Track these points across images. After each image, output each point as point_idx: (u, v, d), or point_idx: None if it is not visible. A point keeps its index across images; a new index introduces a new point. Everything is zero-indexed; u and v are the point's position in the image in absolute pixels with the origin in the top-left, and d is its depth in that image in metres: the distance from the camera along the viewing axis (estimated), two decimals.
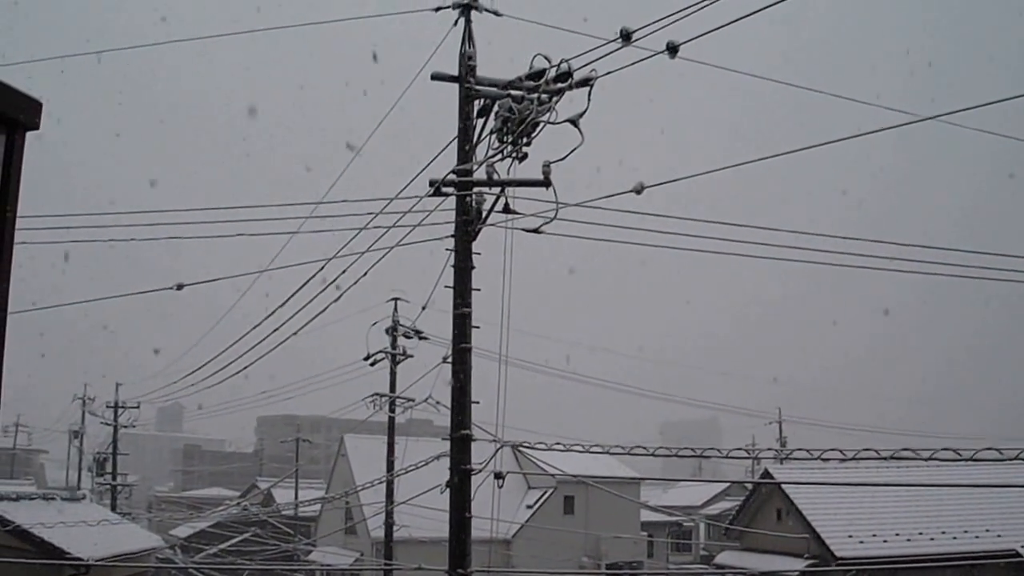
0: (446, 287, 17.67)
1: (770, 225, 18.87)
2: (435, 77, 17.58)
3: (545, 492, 60.34)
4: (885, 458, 14.66)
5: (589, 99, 14.67)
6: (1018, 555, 45.51)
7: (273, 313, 21.54)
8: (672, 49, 12.98)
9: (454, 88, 17.74)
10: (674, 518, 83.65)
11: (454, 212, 17.75)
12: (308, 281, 20.07)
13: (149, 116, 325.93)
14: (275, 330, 22.06)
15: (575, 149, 14.59)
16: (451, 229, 17.87)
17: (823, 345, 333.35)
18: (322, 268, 19.82)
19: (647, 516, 71.97)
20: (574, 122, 14.90)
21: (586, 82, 14.83)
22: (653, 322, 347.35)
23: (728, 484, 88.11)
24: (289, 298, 20.82)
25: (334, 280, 19.90)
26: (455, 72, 17.70)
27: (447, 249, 17.72)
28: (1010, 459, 14.11)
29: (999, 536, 46.50)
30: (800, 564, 46.18)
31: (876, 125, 14.75)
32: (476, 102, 17.53)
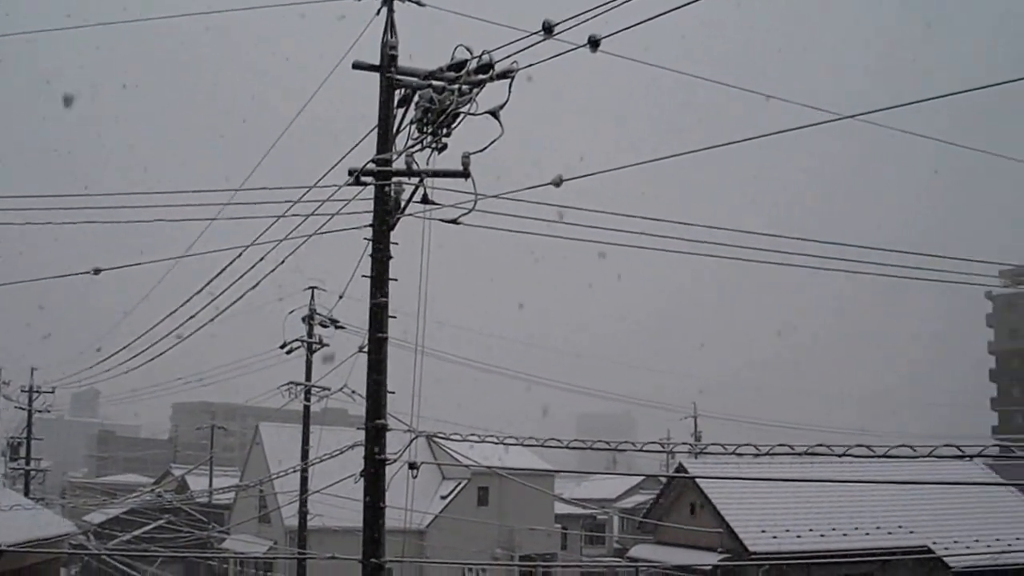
0: (363, 277, 17.54)
1: (697, 219, 18.90)
2: (356, 66, 17.44)
3: (459, 483, 60.27)
4: (799, 453, 14.71)
5: (510, 91, 14.61)
6: (930, 551, 46.05)
7: (189, 300, 21.34)
8: (593, 43, 12.93)
9: (377, 78, 17.60)
10: (588, 511, 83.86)
11: (373, 202, 17.63)
12: (225, 269, 19.89)
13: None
14: (191, 317, 21.86)
15: (495, 141, 14.54)
16: (371, 219, 17.74)
17: (742, 341, 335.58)
18: (239, 255, 19.65)
19: (561, 509, 72.12)
20: (494, 114, 14.83)
21: (507, 74, 14.75)
22: (572, 315, 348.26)
23: (643, 478, 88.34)
24: (205, 285, 20.63)
25: (251, 267, 19.74)
26: (377, 62, 17.57)
27: (365, 239, 17.58)
28: (923, 456, 14.21)
29: (911, 532, 47.02)
30: (713, 558, 46.43)
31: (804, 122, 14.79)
32: (397, 92, 17.41)
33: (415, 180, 16.80)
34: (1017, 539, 47.44)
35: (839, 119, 14.97)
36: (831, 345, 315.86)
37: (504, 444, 18.07)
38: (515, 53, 14.57)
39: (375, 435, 17.42)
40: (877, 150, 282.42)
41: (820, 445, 14.20)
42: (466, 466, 53.10)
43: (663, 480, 57.81)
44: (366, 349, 17.72)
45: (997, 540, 46.73)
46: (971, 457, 14.43)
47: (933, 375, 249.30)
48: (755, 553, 44.35)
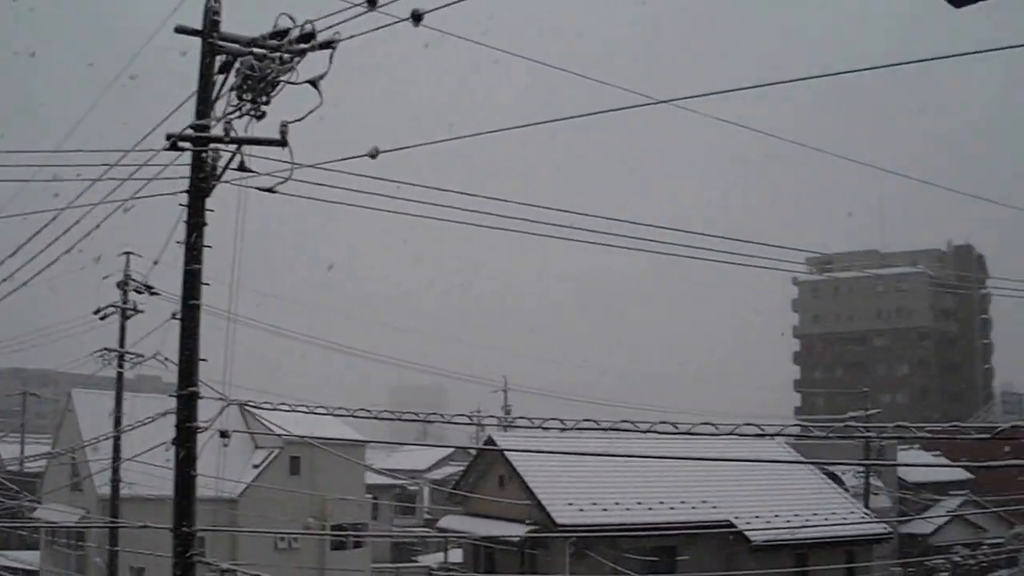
0: (178, 243, 17.21)
1: (515, 196, 18.90)
2: (179, 30, 17.05)
3: (272, 452, 59.75)
4: (604, 429, 14.85)
5: (331, 61, 14.50)
6: (732, 525, 46.97)
7: (2, 263, 20.81)
8: (416, 17, 12.86)
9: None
10: (399, 481, 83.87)
11: (190, 168, 17.30)
12: (39, 232, 19.42)
13: None
14: (3, 280, 21.33)
15: (313, 110, 14.41)
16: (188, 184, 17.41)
17: (552, 317, 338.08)
18: (54, 219, 19.19)
19: (372, 479, 71.95)
20: (314, 83, 14.70)
21: (329, 44, 14.62)
22: (391, 288, 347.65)
23: (453, 450, 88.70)
24: (18, 249, 20.12)
25: (65, 231, 19.28)
26: (200, 26, 17.21)
27: (180, 205, 17.24)
28: (725, 434, 14.43)
29: (715, 507, 47.87)
30: (521, 530, 46.66)
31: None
32: (219, 58, 17.10)
33: (233, 147, 16.54)
34: (814, 515, 48.61)
35: (654, 103, 15.10)
36: (642, 323, 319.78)
37: (315, 413, 17.98)
38: (338, 24, 14.44)
39: (186, 403, 17.14)
40: (697, 137, 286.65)
41: (625, 421, 14.35)
42: (278, 435, 52.61)
43: (472, 452, 58.00)
44: (179, 316, 17.42)
45: (796, 515, 47.82)
46: (772, 436, 14.72)
47: (744, 357, 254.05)
48: (562, 525, 44.70)
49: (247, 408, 38.03)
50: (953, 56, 12.32)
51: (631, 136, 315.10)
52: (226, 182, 16.96)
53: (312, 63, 15.08)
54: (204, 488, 17.45)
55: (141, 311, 40.70)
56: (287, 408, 18.38)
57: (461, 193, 17.90)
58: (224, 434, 17.78)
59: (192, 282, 17.08)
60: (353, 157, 15.49)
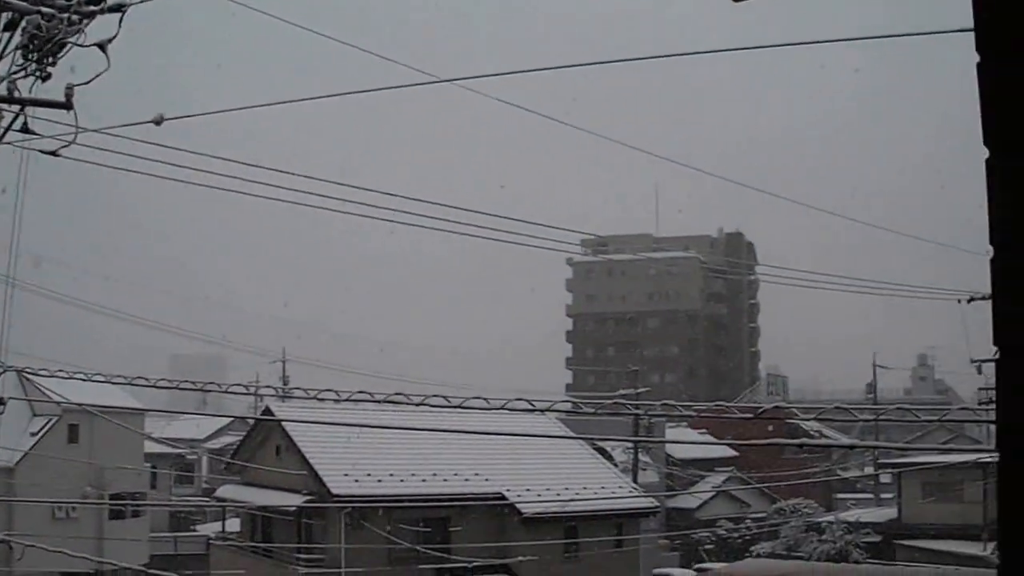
0: None
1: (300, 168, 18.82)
2: None
3: (50, 420, 58.40)
4: (379, 401, 14.95)
5: (120, 25, 14.25)
6: (503, 498, 47.52)
7: None
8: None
9: None
10: (178, 451, 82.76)
11: None
12: None
13: None
14: None
15: (100, 74, 14.16)
16: None
17: (335, 290, 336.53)
18: None
19: (152, 448, 70.88)
20: (102, 47, 14.43)
21: (119, 7, 14.37)
22: (169, 255, 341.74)
23: (231, 419, 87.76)
24: None
25: None
26: None
27: None
28: (495, 408, 14.64)
29: (487, 480, 48.34)
30: (298, 499, 46.52)
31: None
32: (4, 15, 16.65)
33: (16, 108, 16.15)
34: (584, 488, 49.42)
35: (436, 82, 15.22)
36: (429, 301, 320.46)
37: (93, 381, 17.67)
38: None
39: None
40: (480, 119, 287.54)
41: (399, 394, 14.46)
42: (56, 403, 51.44)
43: (250, 422, 57.56)
44: None
45: (566, 489, 48.54)
46: (542, 411, 14.98)
47: (524, 335, 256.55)
48: (338, 496, 44.65)
49: (25, 375, 37.24)
50: (731, 51, 12.67)
51: (418, 116, 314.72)
52: (8, 143, 16.56)
53: (105, 26, 14.82)
54: None
55: None
56: (65, 375, 18.04)
57: (242, 164, 17.79)
58: (0, 401, 17.37)
59: None
60: (137, 123, 15.29)
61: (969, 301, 31.93)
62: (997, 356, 1.84)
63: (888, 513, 68.93)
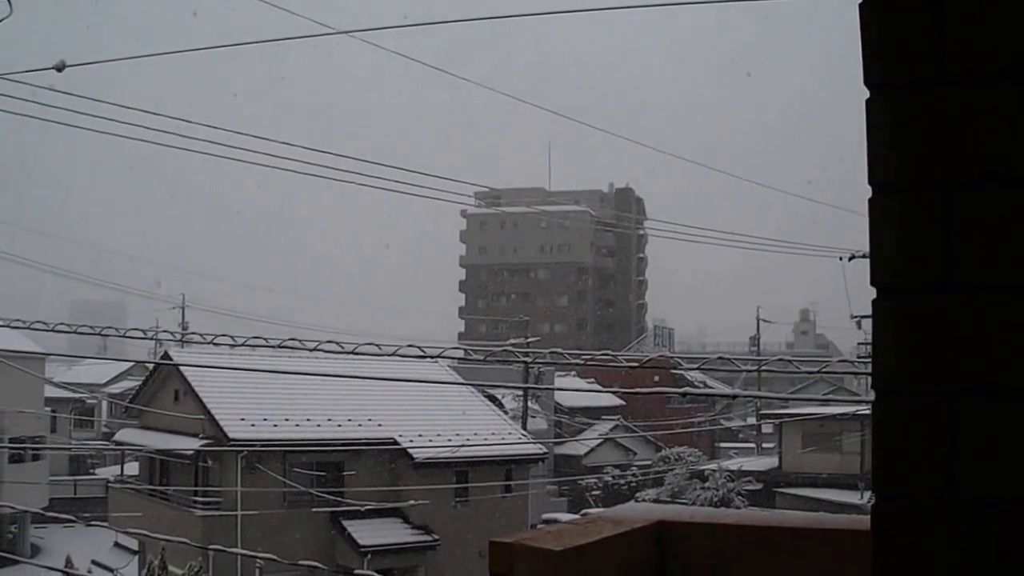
0: None
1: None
2: None
3: None
4: (274, 347, 14.89)
5: None
6: (396, 443, 47.62)
7: None
8: None
9: None
10: (78, 395, 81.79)
11: None
12: None
13: None
14: None
15: (3, 19, 13.84)
16: None
17: (233, 239, 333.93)
18: None
19: (52, 392, 69.99)
20: None
21: None
22: (74, 203, 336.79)
23: (131, 364, 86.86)
24: None
25: None
26: None
27: None
28: (388, 355, 14.62)
29: (380, 425, 48.38)
30: (196, 443, 46.30)
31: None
32: None
33: None
34: (475, 434, 49.56)
35: (333, 33, 15.04)
36: (326, 250, 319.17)
37: None
38: None
39: None
40: (379, 72, 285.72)
41: (292, 340, 14.38)
42: None
43: (149, 367, 56.99)
44: None
45: (457, 435, 48.63)
46: (433, 358, 14.96)
47: (418, 284, 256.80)
48: (234, 440, 44.46)
49: None
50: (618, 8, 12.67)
51: (318, 67, 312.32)
52: None
53: None
54: None
55: None
56: None
57: (146, 112, 17.54)
58: None
59: None
60: (38, 70, 15.00)
61: (850, 259, 32.33)
62: (873, 298, 1.83)
63: (770, 462, 69.92)
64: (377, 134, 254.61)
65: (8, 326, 17.82)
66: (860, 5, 1.80)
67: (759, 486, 63.93)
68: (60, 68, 14.33)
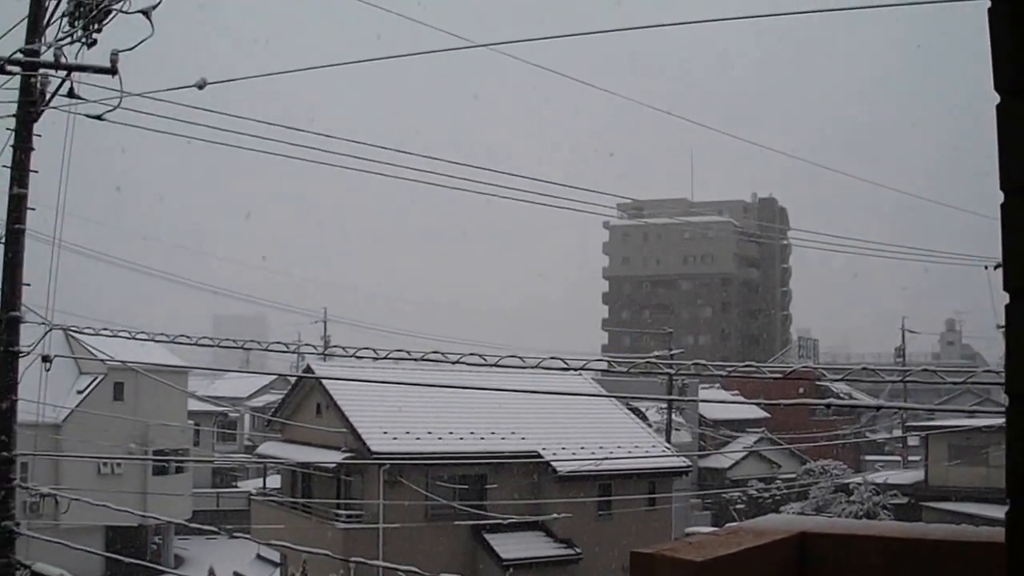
0: (4, 167, 16.84)
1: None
2: None
3: (96, 378, 58.83)
4: (416, 359, 14.97)
5: None
6: (539, 456, 47.65)
7: None
8: None
9: None
10: (220, 408, 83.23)
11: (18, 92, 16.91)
12: None
13: None
14: None
15: (145, 40, 14.19)
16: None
17: (373, 251, 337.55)
18: None
19: (195, 406, 71.36)
20: (146, 13, 14.47)
21: None
22: (229, 219, 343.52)
23: (273, 378, 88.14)
24: None
25: None
26: None
27: (8, 129, 16.86)
28: (531, 367, 14.66)
29: (523, 438, 48.43)
30: (338, 456, 46.77)
31: None
32: None
33: (62, 73, 16.22)
34: (618, 447, 49.43)
35: (470, 47, 15.16)
36: (469, 262, 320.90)
37: (136, 339, 17.75)
38: None
39: (9, 327, 16.83)
40: (522, 84, 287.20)
41: (435, 352, 14.48)
42: (101, 361, 51.74)
43: (292, 380, 57.78)
44: (3, 240, 17.07)
45: (600, 448, 48.53)
46: (576, 371, 14.98)
47: (563, 296, 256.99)
48: (377, 453, 44.85)
49: (71, 333, 37.41)
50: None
51: (455, 80, 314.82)
52: (55, 108, 16.63)
53: None
54: (26, 413, 17.15)
55: None
56: (109, 333, 18.13)
57: (282, 127, 17.82)
58: (46, 359, 17.46)
59: (18, 206, 16.76)
60: (180, 88, 15.32)
61: (996, 267, 31.70)
62: (1007, 302, 1.83)
63: (915, 476, 68.72)
64: (518, 145, 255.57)
65: (152, 340, 18.18)
66: (988, 10, 1.79)
67: (905, 500, 62.93)
68: (201, 86, 14.65)
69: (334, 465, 47.09)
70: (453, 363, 14.58)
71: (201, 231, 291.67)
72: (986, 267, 33.78)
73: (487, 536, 46.37)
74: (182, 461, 60.73)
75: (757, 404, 75.51)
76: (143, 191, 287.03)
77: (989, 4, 1.83)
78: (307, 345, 21.23)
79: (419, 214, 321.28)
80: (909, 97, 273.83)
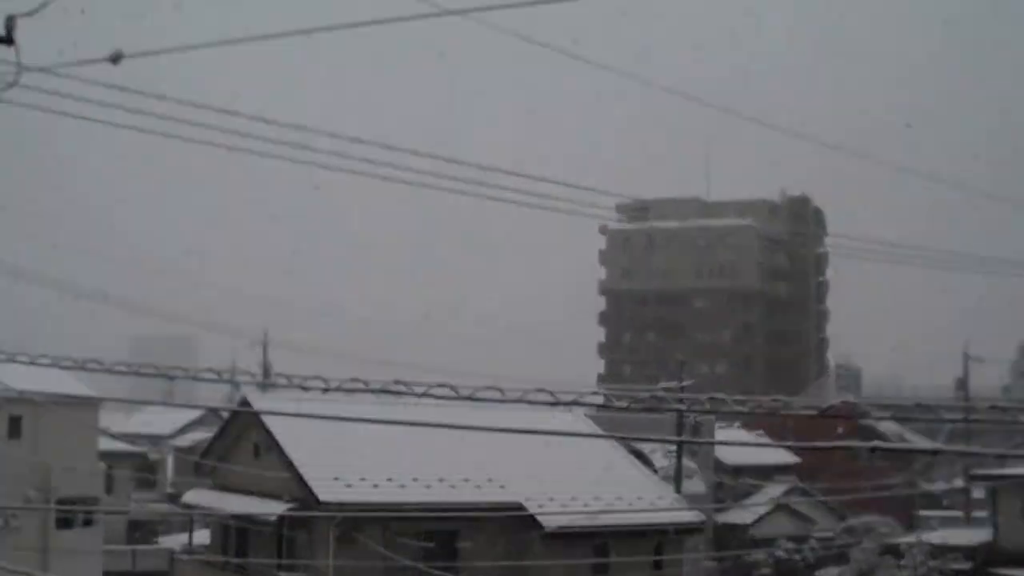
0: None
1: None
2: None
3: None
4: (375, 391, 14.86)
5: None
6: (522, 508, 47.40)
7: None
8: None
9: None
10: (138, 449, 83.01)
11: None
12: None
13: None
14: None
15: (47, 4, 14.12)
16: None
17: (324, 261, 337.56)
18: None
19: (108, 445, 71.13)
20: None
21: None
22: (136, 224, 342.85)
23: (202, 412, 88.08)
24: None
25: None
26: None
27: None
28: (512, 401, 14.58)
29: (503, 487, 48.30)
30: (280, 507, 46.59)
31: None
32: None
33: None
34: (618, 499, 49.38)
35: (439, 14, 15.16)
36: (425, 271, 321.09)
37: (36, 364, 17.64)
38: None
39: None
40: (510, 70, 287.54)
41: (398, 383, 14.34)
42: None
43: (225, 415, 57.70)
44: None
45: (596, 499, 48.52)
46: (567, 405, 14.91)
47: (546, 316, 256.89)
48: (326, 503, 44.72)
49: None
50: None
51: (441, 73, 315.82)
52: None
53: None
54: None
55: None
56: (3, 356, 18.02)
57: (214, 109, 17.77)
58: None
59: None
60: (91, 61, 15.25)
61: None
62: None
63: (981, 535, 68.74)
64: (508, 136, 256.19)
65: (57, 365, 18.04)
66: None
67: (968, 565, 62.97)
68: (116, 59, 14.53)
69: (275, 518, 46.96)
70: (419, 396, 14.49)
71: (118, 234, 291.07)
72: None
73: None
74: (91, 511, 60.47)
75: (786, 447, 75.58)
76: (48, 183, 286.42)
77: None
78: (243, 373, 21.14)
79: (384, 217, 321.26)
80: (976, 75, 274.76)
